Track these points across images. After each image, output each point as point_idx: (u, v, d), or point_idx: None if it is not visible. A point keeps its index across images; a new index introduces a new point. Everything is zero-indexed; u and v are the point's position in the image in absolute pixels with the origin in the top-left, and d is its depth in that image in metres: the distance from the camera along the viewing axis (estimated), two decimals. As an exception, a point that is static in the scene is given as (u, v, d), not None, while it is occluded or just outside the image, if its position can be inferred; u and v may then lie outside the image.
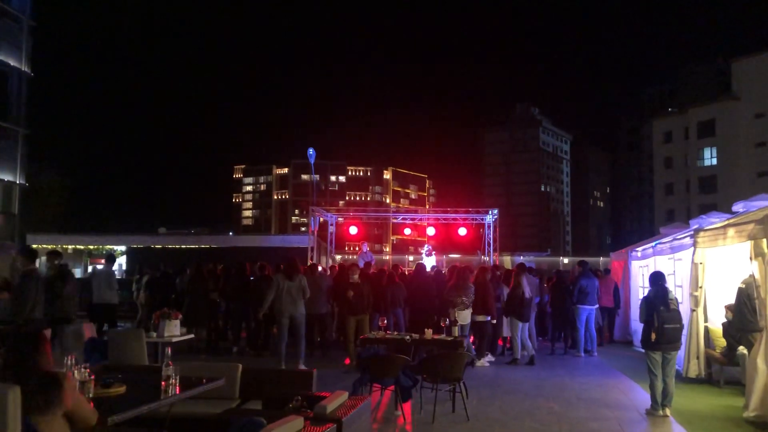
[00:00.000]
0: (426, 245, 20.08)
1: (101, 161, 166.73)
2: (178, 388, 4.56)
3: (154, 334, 7.98)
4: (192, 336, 9.40)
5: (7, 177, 27.31)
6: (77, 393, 3.48)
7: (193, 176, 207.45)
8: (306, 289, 10.45)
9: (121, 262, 26.54)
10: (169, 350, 4.62)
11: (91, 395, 3.93)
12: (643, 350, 7.99)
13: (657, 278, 7.98)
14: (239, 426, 3.53)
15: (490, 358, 11.48)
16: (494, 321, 11.71)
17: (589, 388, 9.47)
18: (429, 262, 18.39)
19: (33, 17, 28.39)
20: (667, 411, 7.67)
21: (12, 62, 27.43)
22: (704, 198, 60.46)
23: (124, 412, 3.72)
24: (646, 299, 7.94)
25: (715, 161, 63.52)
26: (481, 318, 11.32)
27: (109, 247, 26.29)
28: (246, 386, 5.81)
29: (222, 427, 4.12)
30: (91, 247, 26.03)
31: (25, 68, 28.04)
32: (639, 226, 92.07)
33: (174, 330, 8.06)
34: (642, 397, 8.80)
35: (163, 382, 4.49)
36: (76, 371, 4.01)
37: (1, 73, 26.97)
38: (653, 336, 7.64)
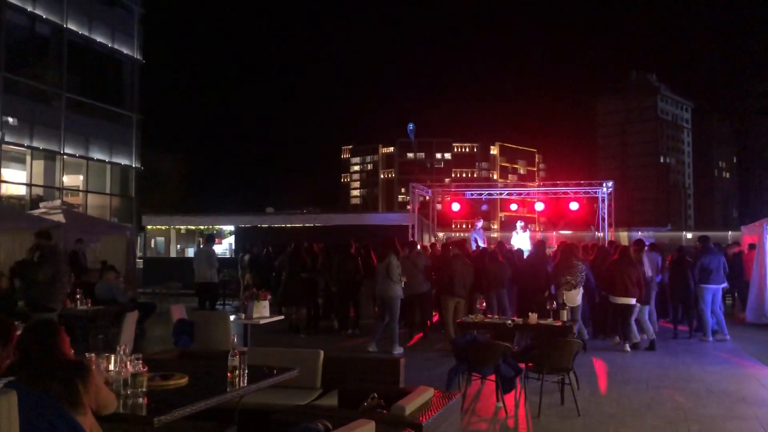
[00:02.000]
0: (519, 221, 18.92)
1: (214, 145, 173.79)
2: (246, 379, 4.13)
3: (243, 316, 7.72)
4: (282, 317, 9.12)
5: (124, 161, 28.68)
6: (100, 380, 3.15)
7: (303, 158, 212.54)
8: (392, 270, 9.99)
9: (231, 241, 27.24)
10: (234, 338, 4.19)
11: (143, 389, 3.54)
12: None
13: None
14: (293, 436, 3.02)
15: (626, 347, 10.47)
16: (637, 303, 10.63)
17: (721, 379, 8.33)
18: (522, 239, 17.31)
19: (143, 5, 29.49)
20: (822, 411, 6.52)
21: (125, 51, 28.62)
22: None
23: (173, 411, 3.29)
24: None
25: None
26: (622, 301, 10.36)
27: (218, 227, 26.98)
28: (328, 374, 5.34)
29: (293, 424, 3.64)
30: (202, 227, 26.79)
31: (137, 56, 29.21)
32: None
33: (263, 311, 7.75)
34: (787, 391, 7.63)
35: (228, 374, 4.06)
36: (129, 362, 3.64)
37: (116, 61, 28.23)
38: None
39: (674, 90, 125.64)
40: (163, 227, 27.28)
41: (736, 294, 15.68)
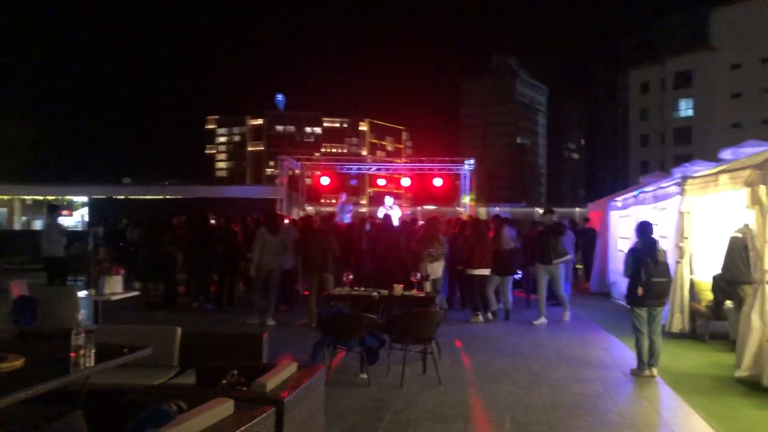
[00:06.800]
0: (387, 197, 19.26)
1: (67, 110, 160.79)
2: (92, 359, 3.81)
3: (94, 292, 7.18)
4: (137, 293, 8.61)
5: (-42, 125, 25.80)
6: None
7: (165, 127, 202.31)
8: (287, 243, 9.99)
9: (84, 213, 25.53)
10: (80, 315, 3.83)
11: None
12: (623, 303, 7.41)
13: (645, 229, 7.35)
14: (141, 419, 2.79)
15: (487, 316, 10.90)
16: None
17: (570, 345, 8.93)
18: (393, 215, 17.60)
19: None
20: (654, 371, 7.14)
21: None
22: (679, 149, 60.38)
23: (2, 398, 2.94)
24: (632, 251, 7.32)
25: (691, 112, 63.33)
26: (478, 272, 10.69)
27: (69, 198, 25.17)
28: (187, 352, 5.09)
29: (144, 405, 3.39)
30: (50, 198, 24.82)
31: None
32: (613, 177, 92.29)
33: (116, 287, 7.26)
34: (624, 354, 8.30)
35: (72, 353, 3.72)
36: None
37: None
38: (639, 291, 7.06)
39: (532, 74, 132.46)
40: (5, 197, 24.98)
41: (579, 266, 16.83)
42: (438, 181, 20.76)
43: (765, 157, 7.11)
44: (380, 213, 17.68)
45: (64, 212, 24.70)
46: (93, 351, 3.84)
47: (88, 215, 23.71)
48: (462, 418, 5.59)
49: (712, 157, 11.10)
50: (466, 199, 21.06)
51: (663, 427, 5.54)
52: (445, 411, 5.79)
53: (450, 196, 26.09)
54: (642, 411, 6.06)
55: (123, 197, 24.33)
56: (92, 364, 3.81)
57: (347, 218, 17.32)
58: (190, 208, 18.12)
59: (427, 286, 8.48)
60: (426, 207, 29.77)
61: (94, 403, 4.11)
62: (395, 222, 14.54)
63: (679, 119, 63.94)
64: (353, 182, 24.77)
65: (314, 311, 9.68)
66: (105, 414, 3.95)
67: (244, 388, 3.53)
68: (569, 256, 11.36)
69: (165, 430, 2.59)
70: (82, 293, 7.73)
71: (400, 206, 22.48)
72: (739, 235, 8.09)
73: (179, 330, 5.12)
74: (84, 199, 25.27)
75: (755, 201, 6.87)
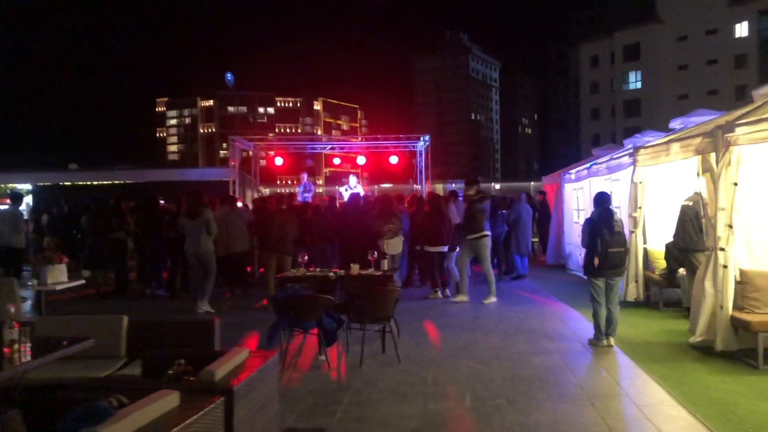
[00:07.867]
0: (351, 176, 19.12)
1: (8, 93, 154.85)
2: (29, 353, 3.59)
3: (36, 282, 6.86)
4: (83, 282, 8.27)
5: None
6: None
7: (113, 111, 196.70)
8: (210, 225, 9.61)
9: (28, 201, 24.64)
10: (12, 308, 3.59)
11: None
12: (579, 274, 7.42)
13: (602, 199, 7.35)
14: (74, 418, 2.60)
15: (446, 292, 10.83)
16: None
17: (528, 318, 8.95)
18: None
19: None
20: (611, 340, 7.19)
21: None
22: (629, 121, 61.53)
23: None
24: (589, 222, 7.32)
25: (639, 85, 64.51)
26: (437, 249, 10.57)
27: (12, 185, 24.26)
28: (136, 342, 4.86)
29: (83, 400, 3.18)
30: (-7, 186, 23.94)
31: None
32: (566, 151, 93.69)
33: (60, 276, 6.94)
34: (582, 325, 8.36)
35: (6, 349, 3.49)
36: None
37: None
38: (596, 261, 7.08)
39: (484, 50, 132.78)
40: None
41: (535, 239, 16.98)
42: (394, 159, 20.61)
43: (715, 124, 7.16)
44: (345, 192, 17.53)
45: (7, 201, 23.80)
46: (29, 345, 3.63)
47: (33, 203, 22.91)
48: (422, 396, 5.51)
49: (661, 128, 11.23)
50: (422, 177, 21.00)
51: (622, 395, 5.56)
52: (405, 389, 5.71)
53: (406, 173, 26.03)
54: (601, 381, 6.09)
55: (70, 184, 23.55)
56: (28, 359, 3.60)
57: (308, 198, 17.14)
58: (141, 192, 17.63)
59: (385, 264, 8.37)
60: (383, 185, 29.65)
61: (32, 400, 3.88)
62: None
63: (628, 91, 65.08)
64: (309, 162, 24.50)
65: (273, 287, 9.49)
66: (44, 412, 3.74)
67: (192, 378, 3.36)
68: (487, 233, 10.27)
69: (102, 428, 2.40)
70: (30, 283, 7.42)
71: (363, 185, 22.34)
72: (690, 203, 8.20)
73: (125, 319, 4.89)
74: (28, 186, 24.41)
75: (706, 168, 6.92)
